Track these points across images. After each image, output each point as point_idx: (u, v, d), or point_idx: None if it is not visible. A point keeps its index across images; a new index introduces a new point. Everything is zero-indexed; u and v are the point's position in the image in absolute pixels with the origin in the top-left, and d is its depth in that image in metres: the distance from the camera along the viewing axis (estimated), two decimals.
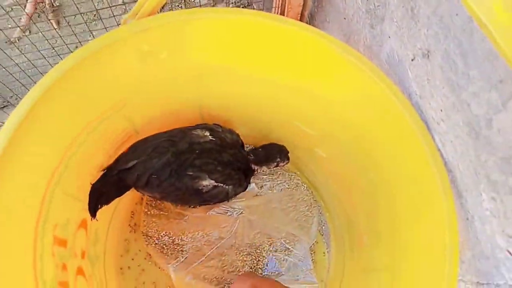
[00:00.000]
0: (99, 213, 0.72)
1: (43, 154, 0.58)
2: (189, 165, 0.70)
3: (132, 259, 0.90)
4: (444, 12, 0.47)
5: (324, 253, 0.98)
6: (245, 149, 0.85)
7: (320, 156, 0.85)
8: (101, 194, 0.70)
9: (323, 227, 0.99)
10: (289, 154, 0.86)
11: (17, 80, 0.91)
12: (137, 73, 0.64)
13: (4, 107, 0.96)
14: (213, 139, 0.72)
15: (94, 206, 0.70)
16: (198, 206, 0.91)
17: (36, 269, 0.56)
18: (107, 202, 0.73)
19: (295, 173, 1.01)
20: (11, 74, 0.89)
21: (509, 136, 0.41)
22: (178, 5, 1.14)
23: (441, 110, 0.51)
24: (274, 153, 0.83)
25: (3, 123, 0.86)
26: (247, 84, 0.73)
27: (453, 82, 0.47)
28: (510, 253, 0.46)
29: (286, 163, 0.87)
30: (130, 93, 0.67)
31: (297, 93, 0.71)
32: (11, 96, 0.99)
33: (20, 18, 1.08)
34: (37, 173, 0.58)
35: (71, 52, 0.67)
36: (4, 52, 0.84)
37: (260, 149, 0.85)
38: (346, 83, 0.62)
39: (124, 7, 1.07)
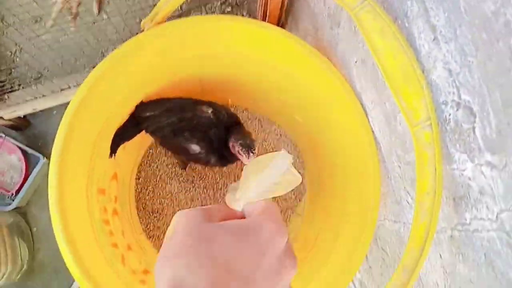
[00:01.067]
0: (124, 165, 0.96)
1: (90, 127, 0.80)
2: (186, 129, 0.90)
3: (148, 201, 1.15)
4: None
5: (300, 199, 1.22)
6: (242, 128, 0.94)
7: (297, 121, 1.06)
8: (122, 134, 0.89)
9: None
10: (251, 150, 0.83)
11: (46, 54, 1.07)
12: (153, 62, 0.83)
13: (39, 77, 1.16)
14: (212, 117, 0.91)
15: (116, 144, 0.89)
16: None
17: (90, 213, 0.80)
18: (126, 140, 0.92)
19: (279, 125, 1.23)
20: (39, 49, 1.04)
21: (404, 127, 0.63)
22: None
23: (371, 102, 0.72)
24: (236, 133, 0.87)
25: (42, 95, 1.06)
26: (237, 65, 0.93)
27: (376, 85, 0.68)
28: (408, 202, 0.70)
29: (243, 151, 0.83)
30: (148, 74, 0.86)
31: (275, 72, 0.91)
32: (44, 68, 1.18)
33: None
34: (86, 142, 0.80)
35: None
36: (32, 30, 1.00)
37: (240, 128, 0.94)
38: (311, 72, 0.82)
39: None
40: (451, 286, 0.62)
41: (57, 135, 0.70)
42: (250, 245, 0.31)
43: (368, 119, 0.76)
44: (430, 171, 0.53)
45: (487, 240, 0.51)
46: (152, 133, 0.91)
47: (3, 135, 1.12)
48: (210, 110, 0.91)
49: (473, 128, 0.47)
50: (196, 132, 0.90)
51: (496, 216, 0.48)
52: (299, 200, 1.17)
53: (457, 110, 0.50)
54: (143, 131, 0.93)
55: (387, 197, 0.78)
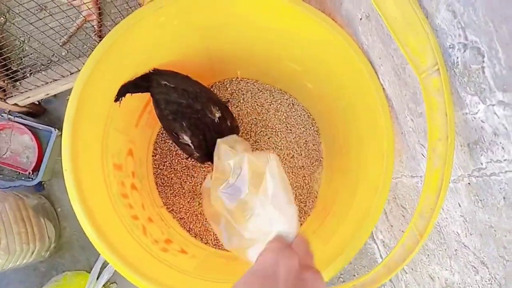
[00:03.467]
0: (139, 142, 0.97)
1: (101, 101, 0.81)
2: (187, 117, 0.88)
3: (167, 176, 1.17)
4: None
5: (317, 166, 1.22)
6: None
7: (308, 87, 1.05)
8: (130, 84, 0.87)
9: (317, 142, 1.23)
10: None
11: (54, 41, 1.07)
12: (157, 35, 0.83)
13: (49, 63, 1.18)
14: (217, 121, 0.90)
15: (123, 92, 0.86)
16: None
17: (107, 186, 0.82)
18: (132, 91, 0.88)
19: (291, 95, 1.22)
20: (48, 36, 1.03)
21: (414, 78, 0.62)
22: None
23: (379, 58, 0.71)
24: None
25: (53, 79, 1.08)
26: (244, 34, 0.93)
27: (383, 39, 0.66)
28: (423, 155, 0.69)
29: None
30: (153, 50, 0.87)
31: (285, 37, 0.90)
32: (52, 55, 1.19)
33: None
34: (98, 116, 0.81)
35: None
36: (38, 17, 0.99)
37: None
38: (317, 33, 0.80)
39: None
40: (472, 234, 0.62)
41: (67, 109, 0.72)
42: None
43: (378, 77, 0.75)
44: (440, 118, 0.52)
45: (505, 182, 0.50)
46: (157, 101, 0.89)
47: (12, 117, 1.14)
48: (218, 115, 0.91)
49: (482, 68, 0.46)
50: (193, 126, 0.89)
51: None
52: (317, 167, 1.17)
53: (464, 51, 0.48)
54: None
55: (402, 154, 0.77)
